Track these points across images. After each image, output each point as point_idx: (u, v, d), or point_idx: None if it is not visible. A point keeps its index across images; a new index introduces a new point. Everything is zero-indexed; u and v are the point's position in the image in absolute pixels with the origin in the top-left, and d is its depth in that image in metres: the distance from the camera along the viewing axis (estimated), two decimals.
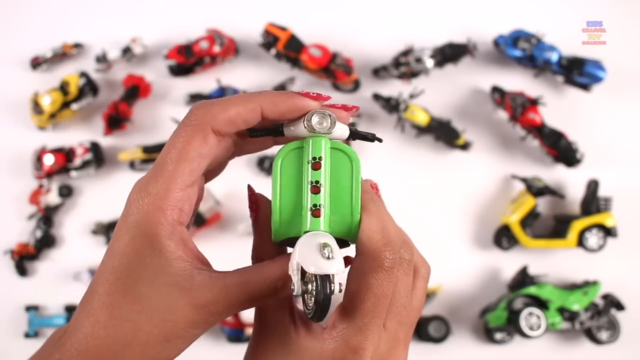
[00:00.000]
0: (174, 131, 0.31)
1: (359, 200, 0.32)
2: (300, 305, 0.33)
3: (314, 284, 0.29)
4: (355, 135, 0.34)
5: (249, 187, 0.35)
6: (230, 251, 1.27)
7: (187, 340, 0.30)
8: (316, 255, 0.29)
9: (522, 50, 1.23)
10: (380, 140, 0.35)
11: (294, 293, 0.29)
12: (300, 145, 0.32)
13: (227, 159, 0.37)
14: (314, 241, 0.29)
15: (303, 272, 0.29)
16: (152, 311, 0.29)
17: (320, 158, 0.32)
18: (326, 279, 0.29)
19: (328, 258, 0.28)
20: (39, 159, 1.25)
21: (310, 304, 0.30)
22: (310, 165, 0.32)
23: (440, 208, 1.27)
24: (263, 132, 0.33)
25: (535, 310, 1.16)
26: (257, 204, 0.34)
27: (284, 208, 0.32)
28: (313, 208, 0.31)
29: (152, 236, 0.29)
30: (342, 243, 0.33)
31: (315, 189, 0.31)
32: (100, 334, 0.28)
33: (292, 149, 0.33)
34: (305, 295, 0.30)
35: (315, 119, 0.32)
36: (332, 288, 0.29)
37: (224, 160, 0.37)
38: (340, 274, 0.29)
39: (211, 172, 0.37)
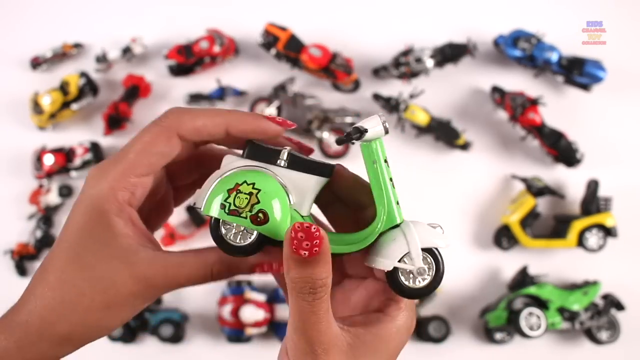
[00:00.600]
0: (145, 127, 0.34)
1: None
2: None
3: (431, 260, 0.34)
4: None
5: (308, 227, 0.30)
6: None
7: (128, 310, 0.33)
8: (437, 234, 0.34)
9: (522, 50, 1.23)
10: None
11: (420, 274, 0.33)
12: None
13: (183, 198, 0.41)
14: (421, 226, 0.34)
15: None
16: (97, 279, 0.31)
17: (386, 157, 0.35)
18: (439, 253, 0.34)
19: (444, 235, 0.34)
20: (39, 159, 1.25)
21: (419, 280, 0.34)
22: (387, 163, 0.35)
23: (440, 208, 1.27)
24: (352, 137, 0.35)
25: (535, 310, 1.16)
26: (322, 239, 0.30)
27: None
28: (398, 201, 0.35)
29: (102, 211, 0.32)
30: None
31: (393, 185, 0.35)
32: (48, 295, 0.31)
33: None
34: (413, 273, 0.34)
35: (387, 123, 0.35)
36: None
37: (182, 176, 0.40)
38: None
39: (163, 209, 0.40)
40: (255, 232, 0.34)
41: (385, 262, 0.33)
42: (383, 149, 0.35)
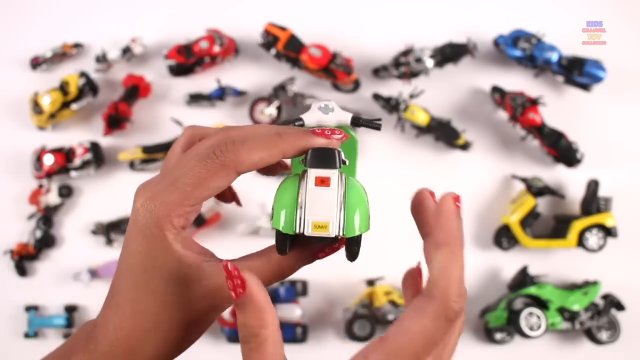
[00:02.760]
0: (200, 155, 0.33)
1: None
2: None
3: None
4: None
5: (233, 266, 0.29)
6: (230, 251, 1.27)
7: (205, 324, 0.34)
8: None
9: (522, 50, 1.22)
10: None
11: None
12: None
13: None
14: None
15: None
16: (170, 304, 0.33)
17: None
18: None
19: None
20: (38, 159, 1.25)
21: None
22: None
23: None
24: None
25: (536, 311, 1.16)
26: (243, 280, 0.29)
27: None
28: None
29: (161, 238, 0.33)
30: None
31: None
32: (127, 326, 0.33)
33: None
34: None
35: None
36: None
37: None
38: None
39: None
40: None
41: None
42: None
